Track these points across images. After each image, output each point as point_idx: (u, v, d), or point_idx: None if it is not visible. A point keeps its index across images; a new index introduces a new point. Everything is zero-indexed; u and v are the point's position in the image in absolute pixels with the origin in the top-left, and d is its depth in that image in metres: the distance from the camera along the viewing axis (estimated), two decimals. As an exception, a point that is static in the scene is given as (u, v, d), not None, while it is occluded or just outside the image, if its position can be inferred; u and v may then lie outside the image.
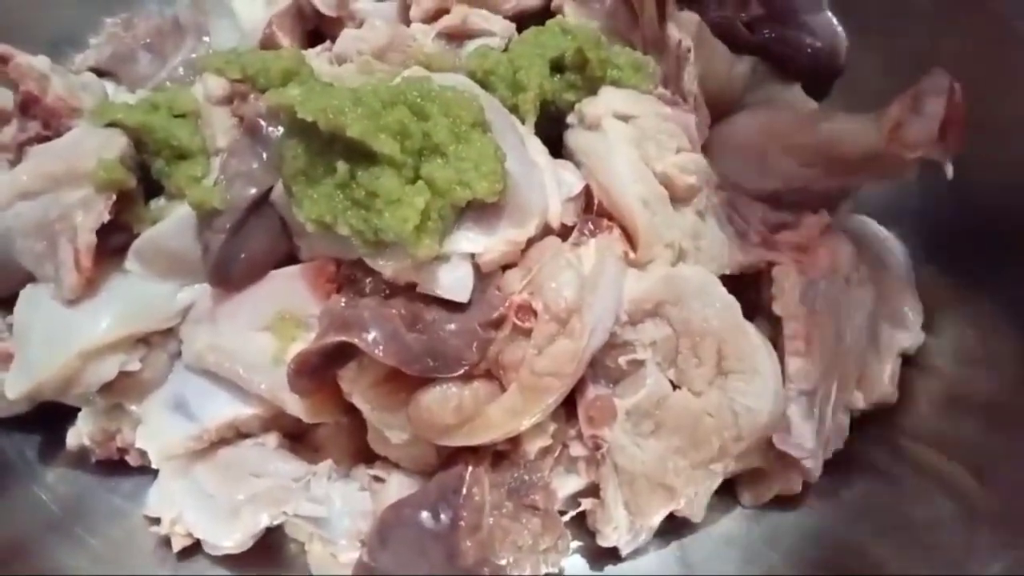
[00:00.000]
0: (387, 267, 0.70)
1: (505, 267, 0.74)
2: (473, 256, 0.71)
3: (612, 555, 0.81)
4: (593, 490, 0.79)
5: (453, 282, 0.70)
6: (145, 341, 0.80)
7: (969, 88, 0.72)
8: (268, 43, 0.98)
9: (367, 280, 0.73)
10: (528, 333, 0.71)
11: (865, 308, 0.83)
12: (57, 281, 0.76)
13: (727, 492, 0.84)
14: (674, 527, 0.82)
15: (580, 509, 0.79)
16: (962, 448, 0.80)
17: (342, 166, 0.66)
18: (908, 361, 0.86)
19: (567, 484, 0.78)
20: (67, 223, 0.75)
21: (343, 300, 0.73)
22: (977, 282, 0.86)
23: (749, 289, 0.83)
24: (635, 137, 0.77)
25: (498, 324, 0.71)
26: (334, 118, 0.64)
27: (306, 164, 0.68)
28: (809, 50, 1.01)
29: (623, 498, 0.77)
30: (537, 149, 0.77)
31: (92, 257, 0.75)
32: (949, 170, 0.74)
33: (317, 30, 1.06)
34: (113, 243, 0.79)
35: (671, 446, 0.76)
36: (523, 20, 1.02)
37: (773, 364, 0.76)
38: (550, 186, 0.75)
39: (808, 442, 0.76)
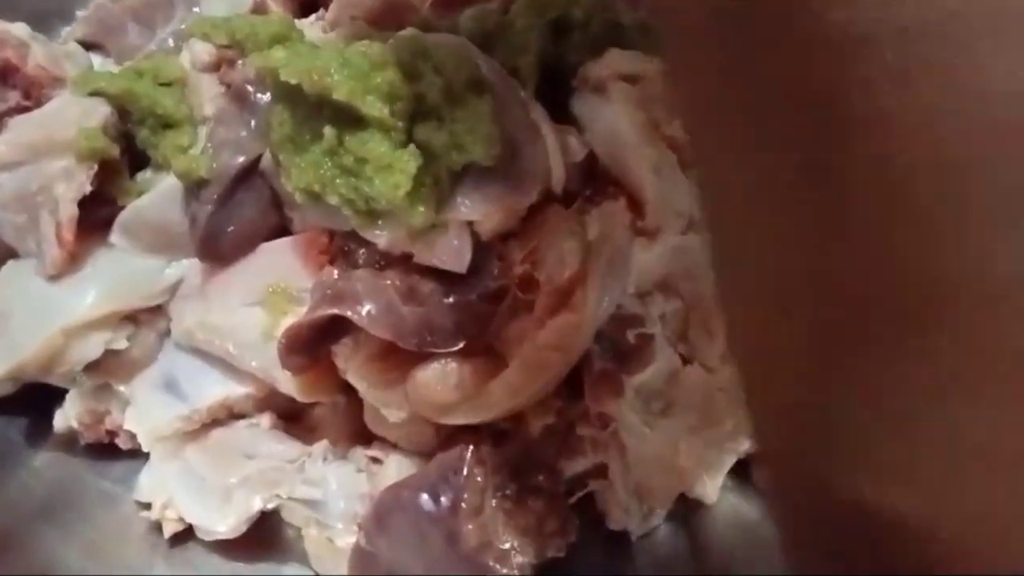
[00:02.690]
0: (381, 237, 0.66)
1: (506, 237, 0.70)
2: (471, 224, 0.67)
3: (622, 539, 0.78)
4: (601, 470, 0.75)
5: (450, 252, 0.66)
6: (132, 319, 0.77)
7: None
8: (259, 11, 0.94)
9: (361, 252, 0.69)
10: (530, 305, 0.67)
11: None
12: (39, 256, 0.73)
13: (742, 472, 0.80)
14: (687, 509, 0.79)
15: (587, 490, 0.75)
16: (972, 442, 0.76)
17: (329, 131, 0.62)
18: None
19: (573, 464, 0.75)
20: (48, 195, 0.72)
21: (336, 272, 0.69)
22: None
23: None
24: (642, 100, 0.73)
25: (499, 296, 0.67)
26: (319, 80, 0.61)
27: (293, 130, 0.65)
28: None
29: (633, 479, 0.74)
30: (539, 113, 0.73)
31: (74, 230, 0.71)
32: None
33: (311, 1, 1.03)
34: (98, 216, 0.75)
35: (683, 425, 0.72)
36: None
37: (788, 336, 0.72)
38: (552, 151, 0.71)
39: (826, 419, 0.73)
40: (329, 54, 0.63)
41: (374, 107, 0.61)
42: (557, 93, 0.81)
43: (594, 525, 0.78)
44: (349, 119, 0.62)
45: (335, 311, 0.64)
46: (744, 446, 0.74)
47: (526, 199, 0.68)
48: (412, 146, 0.62)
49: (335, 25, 0.88)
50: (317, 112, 0.63)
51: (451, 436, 0.73)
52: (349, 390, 0.74)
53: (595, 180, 0.74)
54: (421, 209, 0.62)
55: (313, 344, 0.68)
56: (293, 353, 0.67)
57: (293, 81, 0.61)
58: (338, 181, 0.63)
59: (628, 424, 0.72)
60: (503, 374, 0.67)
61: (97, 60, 0.94)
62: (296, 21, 0.91)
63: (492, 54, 0.78)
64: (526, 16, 0.78)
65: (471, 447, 0.71)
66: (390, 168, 0.61)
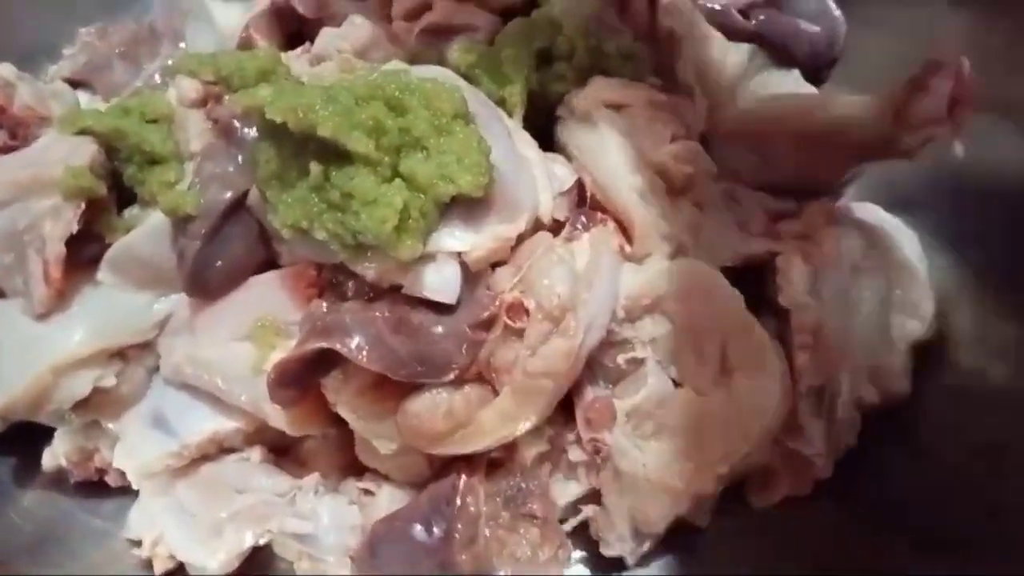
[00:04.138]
0: (369, 270, 0.66)
1: (495, 265, 0.70)
2: (460, 255, 0.67)
3: (617, 564, 0.77)
4: (594, 496, 0.75)
5: (440, 282, 0.66)
6: (121, 355, 0.77)
7: (977, 67, 0.70)
8: (245, 46, 0.95)
9: (350, 284, 0.69)
10: (520, 333, 0.67)
11: (875, 298, 0.79)
12: (27, 294, 0.73)
13: (734, 493, 0.80)
14: (681, 531, 0.78)
15: (582, 517, 0.75)
16: (978, 442, 0.76)
17: (315, 167, 0.62)
18: (920, 352, 0.82)
19: (567, 491, 0.75)
20: (35, 234, 0.72)
21: (325, 305, 0.69)
22: (991, 269, 0.82)
23: (752, 281, 0.79)
24: (628, 127, 0.74)
25: (488, 325, 0.67)
26: (304, 117, 0.61)
27: (279, 167, 0.65)
28: (807, 36, 0.98)
29: (626, 504, 0.73)
30: (526, 142, 0.74)
31: (62, 268, 0.71)
32: (959, 149, 0.71)
33: (298, 32, 1.03)
34: (85, 254, 0.75)
35: (675, 448, 0.72)
36: (508, 15, 0.99)
37: (780, 360, 0.72)
38: (540, 180, 0.72)
39: (818, 441, 0.73)
40: (314, 91, 0.64)
41: (360, 142, 0.61)
42: (543, 121, 0.81)
43: (588, 552, 0.78)
44: (335, 154, 0.62)
45: (324, 344, 0.64)
46: (737, 468, 0.74)
47: (515, 229, 0.69)
48: (398, 180, 0.62)
49: (322, 58, 0.89)
50: (303, 148, 0.63)
51: (444, 466, 0.73)
52: (340, 422, 0.73)
53: (583, 207, 0.75)
54: (409, 242, 0.62)
55: (303, 378, 0.67)
56: (282, 387, 0.67)
57: (279, 119, 0.61)
58: (325, 216, 0.63)
59: (620, 448, 0.72)
60: (494, 403, 0.67)
61: (84, 97, 0.95)
62: (282, 55, 0.92)
63: (479, 84, 0.79)
64: (512, 46, 0.79)
65: (463, 477, 0.70)
66: (376, 203, 0.61)
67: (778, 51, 0.98)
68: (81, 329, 0.73)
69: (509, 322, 0.67)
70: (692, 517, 0.75)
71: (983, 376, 0.79)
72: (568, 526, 0.75)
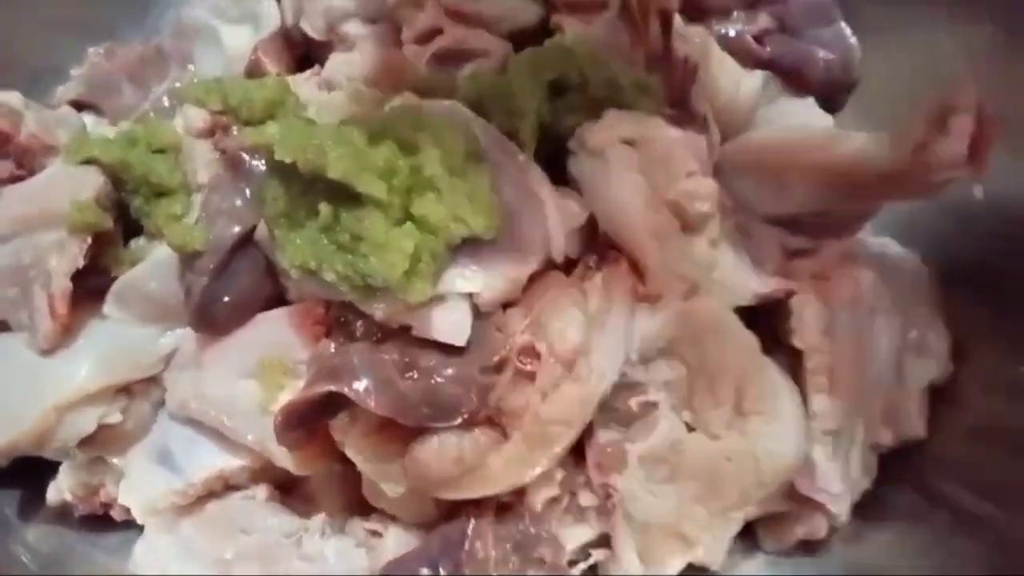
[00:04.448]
0: (378, 310, 0.65)
1: (505, 306, 0.69)
2: (471, 296, 0.66)
3: (626, 607, 0.76)
4: (604, 540, 0.74)
5: (450, 325, 0.65)
6: (126, 390, 0.76)
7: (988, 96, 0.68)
8: (254, 70, 0.94)
9: (358, 323, 0.68)
10: (532, 377, 0.66)
11: (890, 338, 0.78)
12: (32, 329, 0.72)
13: (747, 536, 0.78)
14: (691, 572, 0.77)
15: (591, 561, 0.74)
16: (997, 486, 0.74)
17: (325, 208, 0.61)
18: (936, 393, 0.81)
19: (576, 535, 0.73)
20: (41, 268, 0.71)
21: (332, 345, 0.68)
22: (1008, 307, 0.81)
23: (765, 321, 0.78)
24: (642, 164, 0.72)
25: (499, 368, 0.66)
26: (314, 158, 0.60)
27: (287, 206, 0.64)
28: (822, 63, 0.97)
29: (637, 548, 0.72)
30: (538, 179, 0.72)
31: (68, 303, 0.70)
32: (979, 191, 0.69)
33: (307, 55, 1.02)
34: (90, 287, 0.74)
35: (688, 493, 0.71)
36: (520, 39, 0.98)
37: (796, 403, 0.71)
38: (552, 218, 0.71)
39: (835, 486, 0.71)
40: (323, 130, 0.63)
41: (371, 185, 0.60)
42: (554, 154, 0.80)
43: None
44: (345, 195, 0.61)
45: (332, 387, 0.63)
46: (751, 512, 0.73)
47: (527, 269, 0.67)
48: (409, 224, 0.61)
49: (330, 84, 0.88)
50: (312, 188, 0.62)
51: (452, 509, 0.71)
52: (346, 460, 0.72)
53: (595, 245, 0.73)
54: (419, 286, 0.61)
55: (310, 420, 0.66)
56: (290, 430, 0.66)
57: (287, 160, 0.60)
58: (334, 258, 0.62)
59: (632, 493, 0.70)
60: (504, 448, 0.66)
61: (91, 120, 0.94)
62: (290, 79, 0.91)
63: (490, 117, 0.77)
64: (524, 77, 0.77)
65: (472, 520, 0.69)
66: (387, 247, 0.60)
67: (792, 78, 0.97)
68: (87, 364, 0.72)
69: (520, 365, 0.66)
70: (704, 561, 0.74)
71: (1002, 418, 0.78)
72: (577, 570, 0.73)
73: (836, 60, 0.97)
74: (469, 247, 0.65)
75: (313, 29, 0.97)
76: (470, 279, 0.65)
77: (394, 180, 0.62)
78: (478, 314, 0.67)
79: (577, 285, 0.69)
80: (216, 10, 0.96)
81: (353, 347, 0.67)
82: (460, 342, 0.65)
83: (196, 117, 0.77)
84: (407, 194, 0.63)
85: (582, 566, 0.74)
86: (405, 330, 0.66)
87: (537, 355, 0.66)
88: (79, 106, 0.94)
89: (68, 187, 0.72)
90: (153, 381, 0.77)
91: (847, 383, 0.73)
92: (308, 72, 0.94)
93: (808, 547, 0.77)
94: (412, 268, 0.61)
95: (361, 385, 0.64)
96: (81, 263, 0.71)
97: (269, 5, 0.97)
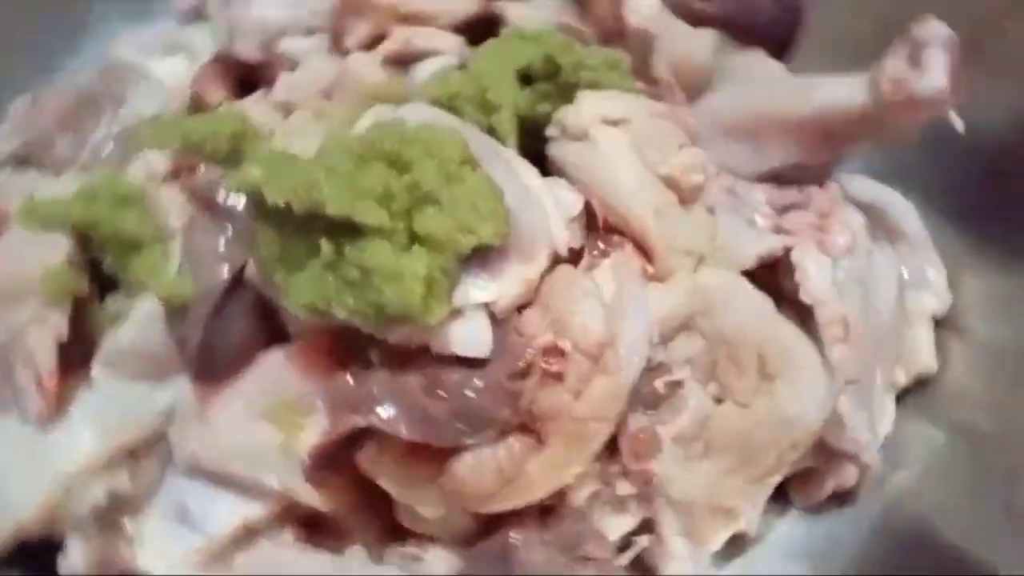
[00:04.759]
0: (394, 335, 0.62)
1: (519, 308, 0.67)
2: (487, 305, 0.64)
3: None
4: (646, 526, 0.73)
5: (470, 338, 0.63)
6: (131, 453, 0.71)
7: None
8: (196, 102, 0.90)
9: (372, 349, 0.65)
10: (559, 376, 0.64)
11: (891, 278, 0.79)
12: (21, 410, 0.67)
13: (777, 495, 0.79)
14: (730, 543, 0.77)
15: (637, 549, 0.73)
16: (1010, 406, 0.76)
17: (326, 245, 0.58)
18: (939, 324, 0.83)
19: (618, 525, 0.72)
20: (21, 345, 0.66)
21: (350, 376, 0.65)
22: (994, 228, 0.83)
23: (764, 280, 0.78)
24: (632, 142, 0.71)
25: (525, 373, 0.64)
26: (308, 195, 0.56)
27: (283, 248, 0.60)
28: (767, 11, 0.97)
29: (681, 529, 0.72)
30: (527, 172, 0.71)
31: (56, 379, 0.66)
32: (959, 124, 0.70)
33: (244, 78, 0.98)
34: (74, 354, 0.70)
35: (724, 466, 0.70)
36: (464, 31, 0.95)
37: (818, 359, 0.71)
38: (551, 210, 0.69)
39: (864, 435, 0.72)
40: (310, 163, 0.59)
41: (370, 214, 0.57)
42: (532, 143, 0.78)
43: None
44: (345, 228, 0.58)
45: (361, 422, 0.61)
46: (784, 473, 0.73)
47: (537, 267, 0.66)
48: (418, 247, 0.59)
49: (285, 107, 0.84)
50: (308, 225, 0.59)
51: (491, 519, 0.70)
52: (374, 486, 0.70)
53: (596, 231, 0.72)
54: (437, 307, 0.59)
55: (340, 457, 0.64)
56: (320, 470, 0.63)
57: (280, 201, 0.56)
58: (344, 294, 0.59)
59: (669, 475, 0.70)
60: (543, 453, 0.64)
61: (32, 177, 0.88)
62: (237, 104, 0.88)
63: (462, 115, 0.75)
64: (493, 70, 0.75)
65: (516, 529, 0.68)
66: (400, 275, 0.57)
67: (742, 31, 0.96)
68: (87, 435, 0.67)
69: (546, 366, 0.64)
70: (744, 528, 0.74)
71: (1006, 340, 0.80)
72: (625, 559, 0.73)
73: (780, 9, 0.97)
74: (478, 255, 0.63)
75: (248, 50, 0.93)
76: (485, 288, 0.63)
77: (393, 204, 0.59)
78: (495, 321, 0.65)
79: (587, 275, 0.68)
80: (143, 46, 0.92)
81: (373, 376, 0.64)
82: (484, 353, 0.63)
83: (158, 161, 0.72)
84: (408, 215, 0.60)
85: (628, 555, 0.73)
86: (424, 350, 0.64)
87: (562, 353, 0.64)
88: (17, 160, 0.88)
89: (33, 255, 0.67)
90: (157, 438, 0.72)
91: (860, 330, 0.73)
92: (255, 96, 0.90)
93: (840, 498, 0.78)
94: (428, 291, 0.58)
95: (389, 414, 0.62)
96: (65, 333, 0.66)
97: (198, 33, 0.92)
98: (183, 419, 0.71)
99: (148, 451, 0.72)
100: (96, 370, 0.70)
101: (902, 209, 0.84)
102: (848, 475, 0.76)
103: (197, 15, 1.00)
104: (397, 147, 0.61)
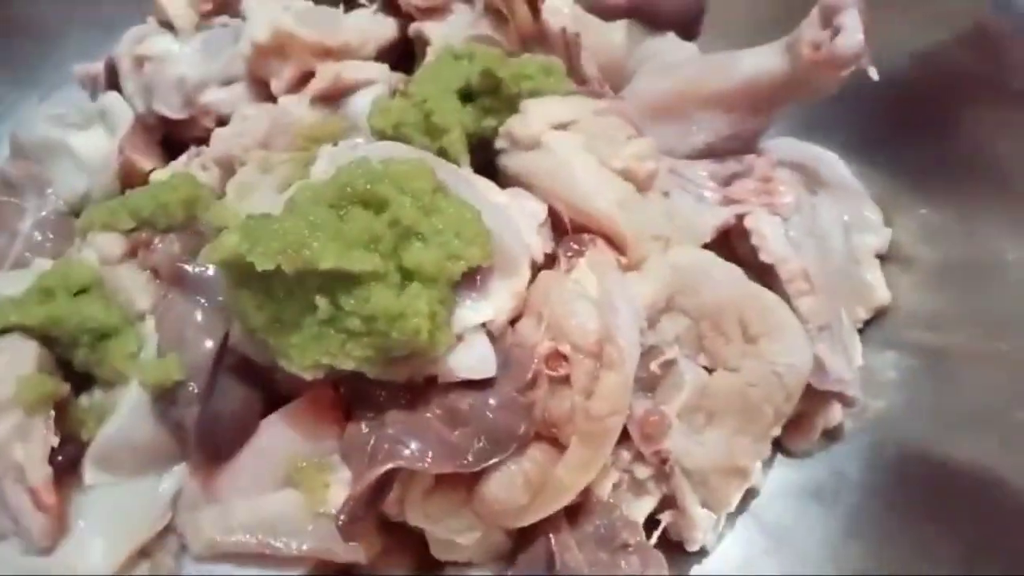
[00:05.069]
0: (402, 373, 0.62)
1: (512, 321, 0.68)
2: (484, 325, 0.65)
3: (698, 552, 0.79)
4: (666, 502, 0.76)
5: (475, 361, 0.64)
6: (141, 552, 0.68)
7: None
8: (127, 171, 0.86)
9: (379, 392, 0.65)
10: (566, 380, 0.66)
11: (837, 225, 0.84)
12: (21, 533, 0.63)
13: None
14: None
15: (662, 527, 0.75)
16: (961, 319, 0.83)
17: (322, 301, 0.57)
18: (883, 259, 0.89)
19: (641, 507, 0.75)
20: (7, 462, 0.62)
21: (363, 424, 0.65)
22: (911, 165, 0.90)
23: (720, 250, 0.81)
24: (584, 143, 0.73)
25: (534, 383, 0.65)
26: (298, 255, 0.55)
27: (275, 310, 0.59)
28: (672, -2, 1.01)
29: (701, 498, 0.74)
30: (491, 189, 0.72)
31: (53, 491, 0.62)
32: (874, 73, 0.75)
33: (168, 139, 0.95)
34: (61, 462, 0.66)
35: (730, 429, 0.74)
36: (387, 57, 0.95)
37: (791, 313, 0.75)
38: (521, 221, 0.70)
39: (845, 373, 0.77)
40: (291, 221, 0.58)
41: (362, 261, 0.56)
42: (481, 158, 0.79)
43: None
44: (337, 279, 0.57)
45: (390, 466, 0.60)
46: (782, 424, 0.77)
47: (523, 279, 0.67)
48: (415, 285, 0.59)
49: (223, 162, 0.82)
50: (300, 285, 0.58)
51: (524, 532, 0.71)
52: (400, 525, 0.70)
53: (565, 233, 0.74)
54: (443, 339, 0.59)
55: (372, 507, 0.63)
56: (356, 524, 0.62)
57: (270, 266, 0.55)
58: (349, 346, 0.58)
59: (681, 449, 0.73)
60: (567, 457, 0.66)
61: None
62: (172, 167, 0.85)
63: (411, 143, 0.75)
64: (434, 94, 0.75)
65: (551, 535, 0.69)
66: (404, 316, 0.57)
67: (651, 18, 1.00)
68: (98, 545, 0.64)
69: (551, 372, 0.65)
70: (756, 484, 0.78)
71: (943, 259, 0.86)
72: (653, 539, 0.75)
73: (684, -7, 1.01)
74: (466, 278, 0.64)
75: (170, 108, 0.91)
76: (481, 309, 0.64)
77: (380, 246, 0.59)
78: (493, 339, 0.66)
79: (568, 276, 0.69)
80: (57, 120, 0.87)
81: (387, 419, 0.64)
82: (491, 373, 0.64)
83: (111, 243, 0.69)
84: (395, 253, 0.60)
85: (656, 533, 0.75)
86: (431, 382, 0.64)
87: (564, 357, 0.66)
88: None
89: (3, 368, 0.63)
90: (166, 529, 0.70)
91: (821, 279, 0.78)
92: (186, 156, 0.87)
93: (829, 435, 0.83)
94: (432, 324, 0.58)
95: (412, 452, 0.61)
96: (54, 441, 0.63)
97: (114, 99, 0.88)
98: (191, 505, 0.69)
99: (159, 543, 0.69)
100: (89, 473, 0.67)
101: (830, 161, 0.90)
102: (834, 413, 0.81)
103: (96, 83, 0.96)
104: (370, 187, 0.61)
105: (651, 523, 0.75)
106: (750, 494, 0.81)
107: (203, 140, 0.88)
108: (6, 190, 0.87)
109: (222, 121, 0.88)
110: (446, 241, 0.61)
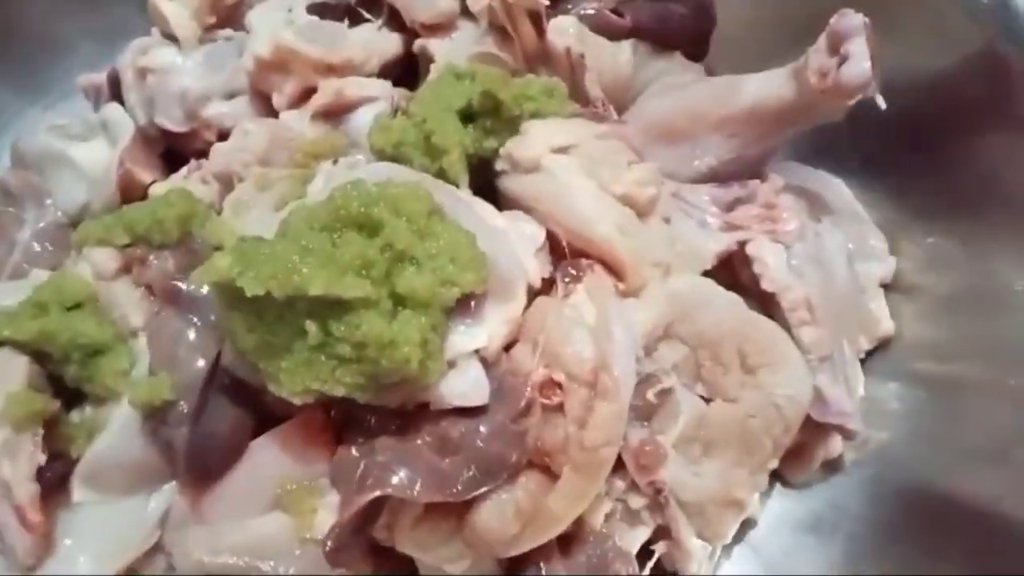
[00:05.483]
0: (393, 399, 0.62)
1: (507, 347, 0.67)
2: (477, 351, 0.64)
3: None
4: (661, 532, 0.74)
5: (467, 388, 0.63)
6: (128, 571, 0.68)
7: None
8: (127, 183, 0.86)
9: (370, 417, 0.64)
10: (560, 408, 0.65)
11: (841, 253, 0.83)
12: (6, 551, 0.62)
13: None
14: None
15: (656, 557, 0.74)
16: (972, 348, 0.81)
17: (312, 327, 0.56)
18: (887, 288, 0.87)
19: (635, 537, 0.73)
20: (-7, 480, 0.61)
21: (353, 449, 0.64)
22: (917, 194, 0.88)
23: (721, 276, 0.80)
24: (585, 167, 0.72)
25: (527, 411, 0.64)
26: (288, 280, 0.55)
27: (266, 334, 0.58)
28: (678, 16, 1.00)
29: (696, 529, 0.73)
30: (489, 212, 0.71)
31: (39, 509, 0.62)
32: (882, 102, 0.74)
33: (169, 151, 0.94)
34: (49, 479, 0.66)
35: (727, 461, 0.72)
36: (391, 73, 0.95)
37: (791, 343, 0.74)
38: (518, 245, 0.69)
39: (846, 405, 0.75)
40: (283, 245, 0.57)
41: (353, 288, 0.56)
42: (480, 178, 0.78)
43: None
44: (327, 305, 0.56)
45: (378, 493, 0.60)
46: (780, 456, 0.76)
47: (519, 304, 0.66)
48: (405, 310, 0.58)
49: (223, 178, 0.82)
50: (290, 309, 0.57)
51: (516, 559, 0.70)
52: (387, 550, 0.69)
53: (563, 258, 0.73)
54: (435, 366, 0.59)
55: (360, 533, 0.62)
56: (342, 551, 0.61)
57: (260, 291, 0.55)
58: (339, 372, 0.57)
59: (678, 480, 0.72)
60: (559, 486, 0.65)
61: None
62: (171, 180, 0.85)
63: (410, 163, 0.75)
64: (435, 114, 0.75)
65: (542, 563, 0.68)
66: (394, 343, 0.56)
67: (657, 38, 0.99)
68: (83, 564, 0.64)
69: (545, 401, 0.65)
70: (753, 515, 0.76)
71: (948, 287, 0.85)
72: (646, 570, 0.74)
73: (689, 12, 1.00)
74: (461, 303, 0.63)
75: (172, 121, 0.90)
76: (472, 335, 0.63)
77: (372, 271, 0.58)
78: (487, 365, 0.65)
79: (566, 303, 0.69)
80: (59, 131, 0.87)
81: (377, 444, 0.63)
82: (483, 401, 0.63)
83: (105, 259, 0.69)
84: (388, 278, 0.59)
85: (649, 564, 0.74)
86: (423, 408, 0.64)
87: (558, 385, 0.65)
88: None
89: (-10, 382, 0.63)
90: (154, 548, 0.69)
91: (823, 308, 0.77)
92: (185, 170, 0.87)
93: (829, 466, 0.82)
94: (423, 352, 0.58)
95: (403, 480, 0.61)
96: (42, 459, 0.62)
97: (116, 110, 0.88)
98: (179, 525, 0.68)
99: (147, 563, 0.69)
100: (77, 491, 0.67)
101: (834, 187, 0.89)
102: (835, 445, 0.79)
103: (100, 93, 0.96)
104: (364, 210, 0.60)
105: (645, 553, 0.74)
106: (748, 525, 0.80)
107: (204, 153, 0.87)
108: (5, 200, 0.87)
109: (223, 135, 0.87)
110: (440, 266, 0.60)
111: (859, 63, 0.71)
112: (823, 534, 0.80)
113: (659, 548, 0.74)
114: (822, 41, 0.74)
